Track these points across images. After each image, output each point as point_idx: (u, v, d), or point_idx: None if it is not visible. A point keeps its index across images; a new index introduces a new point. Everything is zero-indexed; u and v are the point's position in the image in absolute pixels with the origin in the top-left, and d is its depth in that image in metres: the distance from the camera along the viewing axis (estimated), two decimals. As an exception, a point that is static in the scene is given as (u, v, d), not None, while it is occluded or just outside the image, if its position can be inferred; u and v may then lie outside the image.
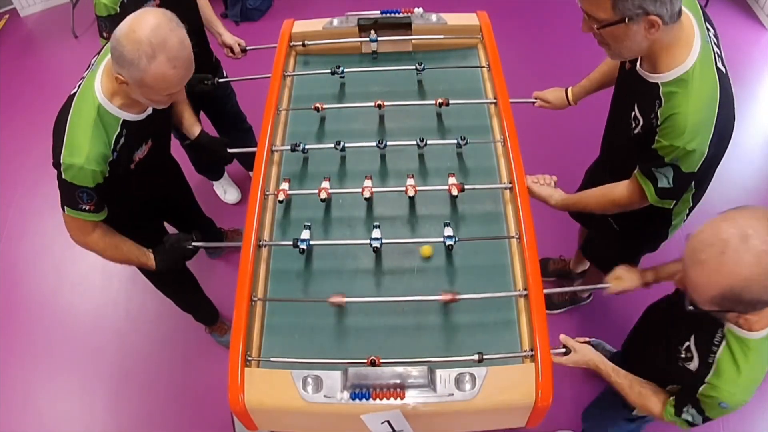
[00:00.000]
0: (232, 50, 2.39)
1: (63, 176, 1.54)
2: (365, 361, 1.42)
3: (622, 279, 1.71)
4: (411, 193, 1.69)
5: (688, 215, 1.84)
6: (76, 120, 1.54)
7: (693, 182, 1.56)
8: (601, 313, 2.67)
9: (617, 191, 1.68)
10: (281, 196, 1.71)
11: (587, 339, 1.59)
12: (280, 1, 4.10)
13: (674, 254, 1.64)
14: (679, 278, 1.22)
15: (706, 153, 1.43)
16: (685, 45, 1.43)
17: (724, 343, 1.30)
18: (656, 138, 1.48)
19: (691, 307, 1.23)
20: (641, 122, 1.55)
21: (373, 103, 1.92)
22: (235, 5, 3.93)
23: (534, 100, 2.15)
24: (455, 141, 1.82)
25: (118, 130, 1.58)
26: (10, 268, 3.00)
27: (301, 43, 2.12)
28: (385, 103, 1.90)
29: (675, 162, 1.46)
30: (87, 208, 1.59)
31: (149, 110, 1.67)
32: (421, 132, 1.86)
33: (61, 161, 1.52)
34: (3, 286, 2.93)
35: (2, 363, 2.69)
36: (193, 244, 1.86)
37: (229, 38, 2.38)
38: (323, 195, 1.69)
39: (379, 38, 2.11)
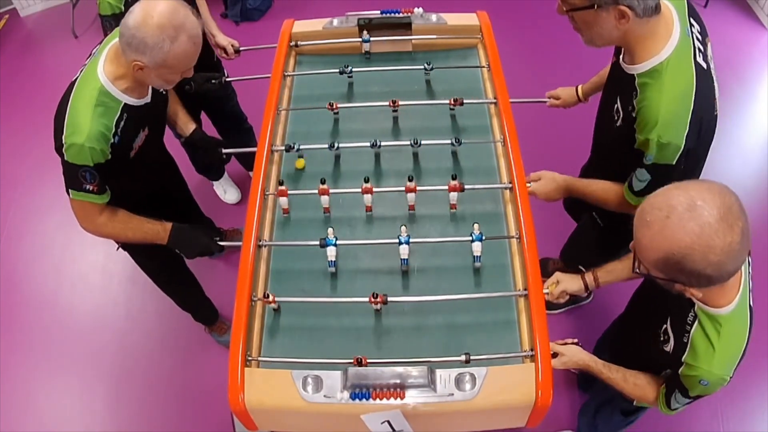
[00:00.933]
0: (225, 51, 2.40)
1: (65, 157, 1.56)
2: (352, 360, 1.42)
3: (561, 282, 1.69)
4: (411, 200, 1.70)
5: None
6: (78, 101, 1.57)
7: (673, 176, 1.55)
8: (601, 313, 2.67)
9: (618, 188, 1.67)
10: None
11: (573, 340, 1.59)
12: (280, 1, 4.10)
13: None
14: (632, 243, 1.23)
15: (682, 146, 1.43)
16: (662, 38, 1.43)
17: (696, 322, 1.31)
18: (636, 135, 1.49)
19: (637, 271, 1.23)
20: (621, 114, 1.56)
21: (373, 103, 1.92)
22: (235, 5, 3.93)
23: (546, 100, 2.16)
24: (453, 141, 1.82)
25: (119, 113, 1.60)
26: (10, 268, 3.00)
27: (297, 43, 2.12)
28: (390, 103, 1.90)
29: (648, 159, 1.47)
30: (90, 188, 1.60)
31: (147, 98, 1.70)
32: (421, 132, 1.86)
33: (63, 141, 1.54)
34: (3, 286, 2.93)
35: (2, 363, 2.68)
36: (220, 243, 1.85)
37: (222, 39, 2.39)
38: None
39: (379, 38, 2.11)
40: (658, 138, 1.42)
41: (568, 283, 1.68)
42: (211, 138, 2.08)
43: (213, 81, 2.14)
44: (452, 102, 1.90)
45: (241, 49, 2.39)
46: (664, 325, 1.42)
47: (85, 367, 2.66)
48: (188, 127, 2.00)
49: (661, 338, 1.42)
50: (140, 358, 2.66)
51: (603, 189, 1.72)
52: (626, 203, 1.63)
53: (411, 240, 1.62)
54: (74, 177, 1.58)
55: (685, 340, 1.33)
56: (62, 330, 2.77)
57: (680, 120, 1.42)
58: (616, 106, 1.59)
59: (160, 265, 2.18)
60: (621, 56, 1.55)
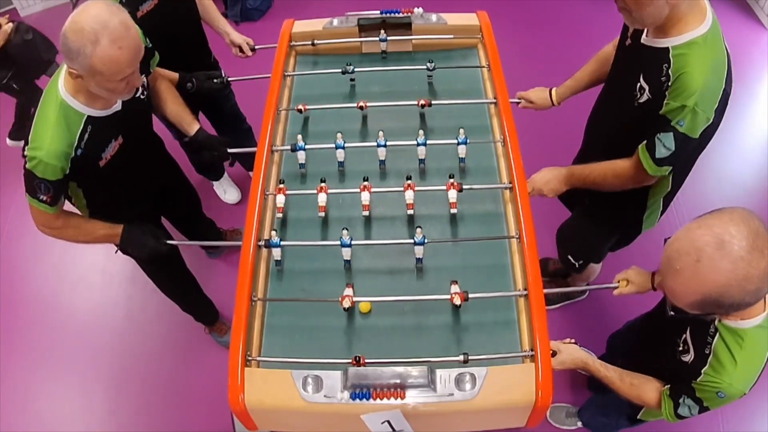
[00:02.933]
0: (240, 49, 2.36)
1: (27, 164, 1.58)
2: (350, 360, 1.42)
3: (632, 282, 1.67)
4: (410, 199, 1.69)
5: (663, 209, 1.84)
6: (41, 115, 1.57)
7: (690, 150, 1.55)
8: (596, 310, 2.67)
9: (619, 163, 1.67)
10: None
11: (571, 340, 1.59)
12: (280, 1, 4.09)
13: (649, 251, 1.63)
14: (659, 283, 1.22)
15: (711, 120, 1.44)
16: (699, 14, 1.45)
17: (717, 335, 1.30)
18: (665, 101, 1.48)
19: (672, 312, 1.23)
20: (647, 89, 1.54)
21: (375, 103, 1.92)
22: (235, 5, 3.93)
23: (518, 101, 2.12)
24: (455, 141, 1.81)
25: (82, 126, 1.59)
26: (10, 268, 3.00)
27: (310, 42, 2.11)
28: (371, 104, 1.90)
29: (680, 124, 1.46)
30: (43, 198, 1.61)
31: (117, 106, 1.67)
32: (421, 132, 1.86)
33: (26, 153, 1.57)
34: (3, 286, 2.93)
35: (2, 363, 2.69)
36: (168, 242, 1.87)
37: (237, 37, 2.35)
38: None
39: (378, 38, 2.11)
40: (695, 105, 1.42)
41: (637, 286, 1.66)
42: (217, 138, 2.06)
43: (215, 80, 2.13)
44: (419, 103, 1.90)
45: (256, 47, 2.37)
46: (684, 335, 1.40)
47: (85, 367, 2.66)
48: (192, 127, 1.98)
49: (680, 348, 1.40)
50: (140, 358, 2.66)
51: (609, 167, 1.70)
52: (640, 174, 1.61)
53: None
54: (31, 184, 1.60)
55: (707, 352, 1.32)
56: (62, 330, 2.77)
57: (715, 92, 1.43)
58: (638, 84, 1.57)
59: (160, 268, 2.17)
60: (644, 33, 1.55)
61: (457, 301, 1.50)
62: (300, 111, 1.93)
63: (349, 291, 1.54)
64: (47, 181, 1.58)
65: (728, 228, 1.08)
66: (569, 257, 2.28)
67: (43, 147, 1.54)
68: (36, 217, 1.70)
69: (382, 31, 2.10)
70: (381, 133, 1.81)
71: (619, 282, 1.68)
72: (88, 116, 1.60)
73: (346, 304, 1.50)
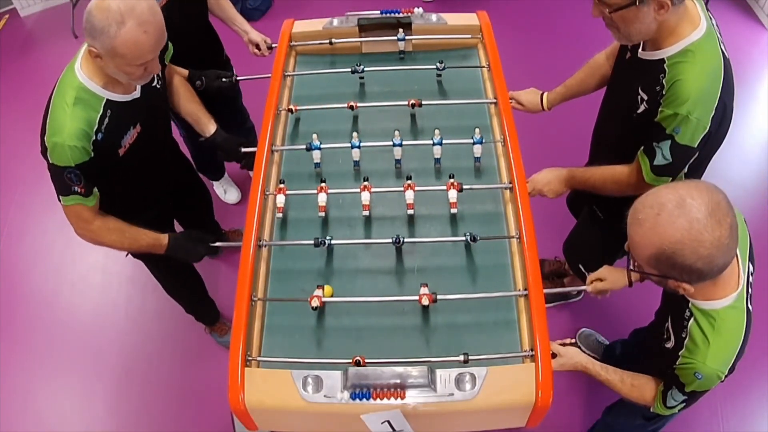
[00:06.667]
0: (258, 47, 2.34)
1: (50, 160, 1.54)
2: (350, 361, 1.42)
3: (604, 280, 1.71)
4: (410, 198, 1.68)
5: None
6: (57, 101, 1.54)
7: (690, 161, 1.55)
8: (591, 308, 2.67)
9: (619, 168, 1.68)
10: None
11: (572, 340, 1.61)
12: (280, 1, 4.10)
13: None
14: (627, 243, 1.26)
15: (707, 128, 1.44)
16: (691, 23, 1.46)
17: (692, 318, 1.33)
18: (660, 109, 1.48)
19: (632, 269, 1.28)
20: (646, 98, 1.55)
21: (375, 103, 1.92)
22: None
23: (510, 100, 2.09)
24: (470, 140, 1.81)
25: (101, 110, 1.57)
26: (10, 268, 3.00)
27: (328, 41, 2.10)
28: (370, 104, 1.90)
29: (675, 132, 1.46)
30: (78, 190, 1.57)
31: (136, 93, 1.65)
32: (422, 132, 1.86)
33: (46, 144, 1.53)
34: (3, 286, 2.93)
35: (2, 363, 2.69)
36: (215, 243, 1.87)
37: (255, 35, 2.34)
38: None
39: (379, 38, 2.10)
40: (688, 113, 1.43)
41: (610, 284, 1.70)
42: (234, 138, 2.04)
43: (224, 79, 2.12)
44: (409, 104, 1.89)
45: (273, 45, 2.32)
46: (666, 323, 1.43)
47: (85, 367, 2.66)
48: (209, 128, 1.95)
49: (664, 336, 1.44)
50: (140, 358, 2.67)
51: (609, 172, 1.71)
52: (637, 182, 1.62)
53: (412, 240, 1.62)
54: (61, 180, 1.56)
55: (684, 336, 1.35)
56: (62, 330, 2.77)
57: (710, 99, 1.43)
58: (639, 96, 1.58)
59: (170, 271, 2.17)
60: (640, 49, 1.55)
61: (426, 301, 1.50)
62: (291, 111, 1.92)
63: (318, 291, 1.55)
64: (74, 168, 1.53)
65: (691, 192, 1.14)
66: (580, 267, 2.28)
67: (63, 131, 1.50)
68: (74, 220, 1.66)
69: (401, 30, 2.09)
70: (397, 132, 1.81)
71: (592, 282, 1.73)
72: (108, 100, 1.58)
73: (315, 303, 1.51)
